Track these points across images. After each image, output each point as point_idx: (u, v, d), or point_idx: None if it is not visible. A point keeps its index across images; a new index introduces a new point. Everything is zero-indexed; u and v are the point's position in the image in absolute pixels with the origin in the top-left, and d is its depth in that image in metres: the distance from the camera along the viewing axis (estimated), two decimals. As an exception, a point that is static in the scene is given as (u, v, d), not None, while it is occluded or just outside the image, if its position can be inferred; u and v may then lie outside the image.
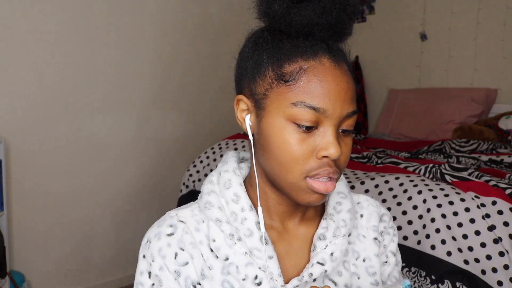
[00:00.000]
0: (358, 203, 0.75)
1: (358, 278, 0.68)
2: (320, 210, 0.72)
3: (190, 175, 2.45)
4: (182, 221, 0.66)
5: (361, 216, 0.74)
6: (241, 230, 0.64)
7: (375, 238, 0.72)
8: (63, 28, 2.21)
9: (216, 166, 0.79)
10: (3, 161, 1.96)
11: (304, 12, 0.57)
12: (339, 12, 0.58)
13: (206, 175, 2.39)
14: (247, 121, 0.63)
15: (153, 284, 0.64)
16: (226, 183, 0.67)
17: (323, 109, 0.57)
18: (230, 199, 0.65)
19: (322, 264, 0.64)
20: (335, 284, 0.66)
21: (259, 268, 0.62)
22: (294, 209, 0.68)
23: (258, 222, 0.64)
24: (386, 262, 0.74)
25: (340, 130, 0.60)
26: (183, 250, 0.64)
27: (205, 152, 2.47)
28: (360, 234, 0.72)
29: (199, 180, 2.42)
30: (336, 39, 0.60)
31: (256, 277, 0.62)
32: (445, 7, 2.93)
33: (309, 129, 0.58)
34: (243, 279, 0.62)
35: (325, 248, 0.65)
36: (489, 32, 2.76)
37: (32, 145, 2.17)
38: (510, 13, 2.67)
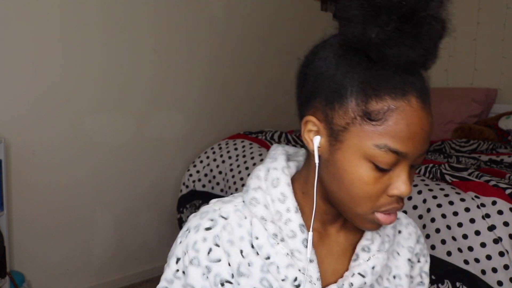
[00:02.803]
0: (398, 218, 0.74)
1: (394, 277, 0.69)
2: None
3: (190, 175, 2.45)
4: (223, 217, 0.66)
5: (399, 232, 0.73)
6: (284, 231, 0.63)
7: (409, 259, 0.72)
8: (63, 27, 2.21)
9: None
10: (3, 161, 1.96)
11: (402, 47, 0.53)
12: (435, 45, 0.56)
13: (206, 175, 2.39)
14: (316, 144, 0.60)
15: (177, 271, 0.66)
16: (274, 181, 0.66)
17: (406, 154, 0.55)
18: (276, 197, 0.65)
19: (363, 276, 0.64)
20: None
21: (299, 270, 0.62)
22: (337, 217, 0.68)
23: (302, 225, 0.64)
24: (421, 282, 0.74)
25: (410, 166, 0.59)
26: (218, 246, 0.64)
27: (205, 152, 2.47)
28: (395, 251, 0.71)
29: (199, 180, 2.42)
30: (425, 69, 0.58)
31: (295, 279, 0.62)
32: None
33: (386, 170, 0.57)
34: (283, 280, 0.62)
35: (367, 260, 0.65)
36: (489, 32, 2.76)
37: (32, 145, 2.17)
38: (510, 13, 2.67)
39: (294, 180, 0.68)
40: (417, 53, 0.53)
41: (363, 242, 0.67)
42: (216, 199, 0.70)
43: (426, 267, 0.75)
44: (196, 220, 0.67)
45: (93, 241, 2.45)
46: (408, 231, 0.73)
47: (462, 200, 1.48)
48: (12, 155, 2.10)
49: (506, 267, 1.34)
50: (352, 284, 0.64)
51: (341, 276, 0.66)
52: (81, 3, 2.25)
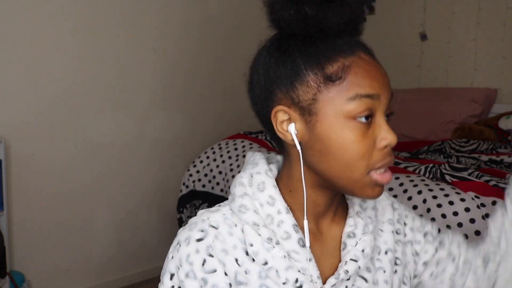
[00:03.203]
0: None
1: (384, 271, 0.69)
2: (346, 209, 0.72)
3: (190, 175, 2.45)
4: (213, 226, 0.64)
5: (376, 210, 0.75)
6: (278, 233, 0.63)
7: (393, 231, 0.72)
8: (63, 29, 2.21)
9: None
10: (3, 161, 1.96)
11: (333, 14, 0.58)
12: (361, 8, 0.60)
13: (206, 175, 2.39)
14: (293, 130, 0.61)
15: (173, 287, 0.64)
16: (260, 185, 0.65)
17: (377, 95, 0.59)
18: (264, 201, 0.64)
19: (355, 261, 0.65)
20: (366, 280, 0.67)
21: (299, 271, 0.62)
22: (328, 208, 0.68)
23: (295, 225, 0.63)
24: (427, 234, 0.76)
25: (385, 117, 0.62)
26: (212, 256, 0.63)
27: (205, 152, 2.47)
28: (378, 229, 0.72)
29: (199, 180, 2.41)
30: (358, 35, 0.63)
31: (296, 281, 0.62)
32: (445, 7, 2.92)
33: (367, 119, 0.59)
34: (284, 283, 0.61)
35: (355, 245, 0.66)
36: (489, 32, 2.76)
37: (32, 145, 2.17)
38: (510, 13, 2.66)
39: (278, 181, 0.68)
40: (349, 17, 0.59)
41: (347, 229, 0.68)
42: (203, 210, 0.69)
43: (418, 223, 0.76)
44: (185, 233, 0.65)
45: (93, 241, 2.45)
46: (382, 205, 0.74)
47: (462, 200, 1.48)
48: (12, 155, 2.10)
49: (506, 267, 1.34)
50: (347, 271, 0.64)
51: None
52: (81, 4, 2.25)
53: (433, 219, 1.49)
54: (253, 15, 3.04)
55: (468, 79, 2.87)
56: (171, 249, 0.66)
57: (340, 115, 0.58)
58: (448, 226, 1.45)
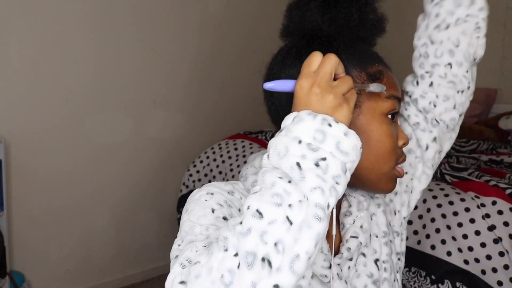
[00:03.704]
0: None
1: (376, 236, 0.72)
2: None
3: (190, 175, 2.45)
4: (228, 192, 0.63)
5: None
6: None
7: (383, 211, 0.74)
8: (62, 28, 2.21)
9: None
10: (3, 161, 1.96)
11: (367, 27, 0.66)
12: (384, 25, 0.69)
13: (206, 175, 2.40)
14: None
15: (218, 217, 0.56)
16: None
17: (400, 97, 0.66)
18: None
19: (356, 237, 0.67)
20: (365, 255, 0.69)
21: None
22: (336, 206, 0.71)
23: None
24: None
25: None
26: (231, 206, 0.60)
27: (205, 152, 2.47)
28: (372, 214, 0.75)
29: (199, 180, 2.42)
30: (373, 46, 0.71)
31: None
32: (445, 7, 2.92)
33: (393, 118, 0.65)
34: None
35: (353, 223, 0.69)
36: (489, 32, 2.76)
37: (32, 145, 2.17)
38: (510, 13, 2.67)
39: None
40: (375, 30, 0.67)
41: (342, 210, 0.71)
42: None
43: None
44: (209, 186, 0.61)
45: (93, 241, 2.45)
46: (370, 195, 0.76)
47: (462, 200, 1.48)
48: (12, 155, 2.10)
49: (506, 267, 1.35)
50: (349, 249, 0.66)
51: None
52: (81, 5, 2.25)
53: (433, 219, 1.49)
54: (254, 15, 3.04)
55: (468, 79, 2.87)
56: (186, 206, 0.60)
57: (379, 111, 0.63)
58: (448, 226, 1.45)
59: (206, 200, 0.58)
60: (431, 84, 0.75)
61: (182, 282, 0.44)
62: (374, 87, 0.60)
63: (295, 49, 0.66)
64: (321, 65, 0.53)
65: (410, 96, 0.78)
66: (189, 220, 0.56)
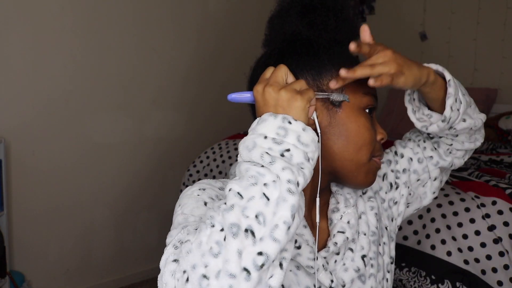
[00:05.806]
0: None
1: (364, 234, 0.75)
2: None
3: (190, 175, 2.45)
4: (219, 188, 0.67)
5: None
6: None
7: (372, 207, 0.78)
8: (62, 28, 2.21)
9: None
10: (3, 161, 1.96)
11: (342, 31, 0.71)
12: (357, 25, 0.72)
13: (206, 175, 2.39)
14: (315, 116, 0.66)
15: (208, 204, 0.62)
16: None
17: (376, 95, 0.71)
18: None
19: (343, 232, 0.71)
20: (352, 251, 0.72)
21: (297, 234, 0.68)
22: (325, 203, 0.76)
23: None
24: (396, 181, 0.83)
25: None
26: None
27: (205, 152, 2.47)
28: (361, 213, 0.78)
29: (199, 180, 2.41)
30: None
31: (296, 241, 0.67)
32: (445, 7, 2.92)
33: (371, 114, 0.70)
34: None
35: (341, 219, 0.73)
36: (489, 32, 2.76)
37: (32, 145, 2.17)
38: (510, 13, 2.67)
39: None
40: (351, 34, 0.72)
41: (331, 207, 0.76)
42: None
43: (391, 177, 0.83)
44: (201, 183, 0.65)
45: (93, 241, 2.45)
46: (362, 190, 0.80)
47: (462, 200, 1.48)
48: (12, 155, 2.10)
49: (506, 267, 1.35)
50: (336, 243, 0.70)
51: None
52: (81, 4, 2.25)
53: (433, 219, 1.49)
54: (254, 14, 3.04)
55: (468, 79, 2.87)
56: (180, 199, 0.65)
57: (357, 106, 0.68)
58: (448, 227, 1.45)
59: (198, 195, 0.63)
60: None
61: (174, 260, 0.49)
62: (336, 96, 0.66)
63: (277, 50, 0.72)
64: (272, 72, 0.59)
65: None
66: (182, 214, 0.60)
